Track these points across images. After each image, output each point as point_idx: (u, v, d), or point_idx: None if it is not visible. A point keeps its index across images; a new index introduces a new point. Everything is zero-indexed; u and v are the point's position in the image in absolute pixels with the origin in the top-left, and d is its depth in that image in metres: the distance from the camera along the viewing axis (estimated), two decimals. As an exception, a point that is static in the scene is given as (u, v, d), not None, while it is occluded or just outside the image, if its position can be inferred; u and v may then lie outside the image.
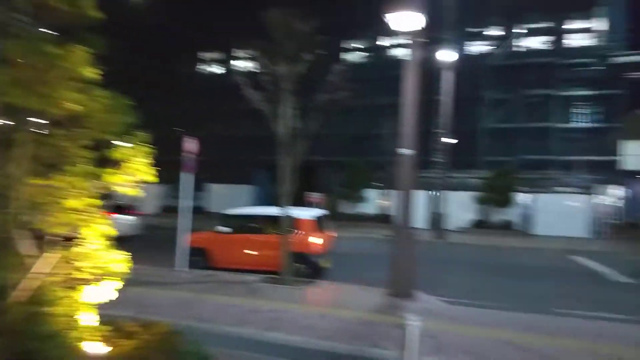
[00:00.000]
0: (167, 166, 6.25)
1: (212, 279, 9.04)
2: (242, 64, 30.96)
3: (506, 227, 21.36)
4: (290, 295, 7.83)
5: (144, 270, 8.86)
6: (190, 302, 7.07)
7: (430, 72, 23.06)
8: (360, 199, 24.54)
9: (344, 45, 31.22)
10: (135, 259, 4.15)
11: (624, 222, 23.43)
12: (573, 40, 25.28)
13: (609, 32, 24.36)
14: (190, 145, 9.57)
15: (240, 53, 31.69)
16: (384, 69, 25.58)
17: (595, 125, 24.20)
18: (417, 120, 7.71)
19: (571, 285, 10.65)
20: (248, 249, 9.99)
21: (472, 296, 8.97)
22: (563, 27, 25.41)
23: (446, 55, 18.31)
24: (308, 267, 9.48)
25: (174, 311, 6.50)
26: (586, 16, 24.83)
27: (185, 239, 9.76)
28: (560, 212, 20.83)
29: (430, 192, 23.97)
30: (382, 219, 22.31)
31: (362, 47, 30.93)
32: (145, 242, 13.83)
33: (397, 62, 11.75)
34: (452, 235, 19.61)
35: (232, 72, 28.04)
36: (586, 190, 21.69)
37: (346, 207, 24.99)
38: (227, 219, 10.54)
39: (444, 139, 19.61)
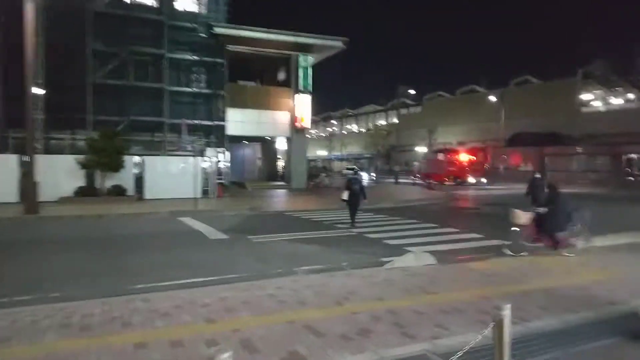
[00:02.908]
0: None
1: None
2: None
3: (118, 193, 19.60)
4: None
5: None
6: None
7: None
8: None
9: None
10: None
11: (228, 182, 26.17)
12: (181, 3, 25.41)
13: (213, 1, 25.83)
14: None
15: None
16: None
17: (204, 90, 25.57)
18: None
19: (174, 250, 10.04)
20: None
21: (39, 288, 6.77)
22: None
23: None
24: None
25: None
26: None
27: None
28: (172, 175, 20.87)
29: (22, 156, 19.19)
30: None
31: None
32: None
33: None
34: (49, 207, 16.19)
35: None
36: (196, 152, 22.68)
37: None
38: None
39: (37, 92, 15.56)
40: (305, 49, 27.94)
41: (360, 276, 7.12)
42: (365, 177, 44.16)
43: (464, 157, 36.82)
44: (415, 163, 60.38)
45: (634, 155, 38.39)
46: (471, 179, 34.71)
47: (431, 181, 33.69)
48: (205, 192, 22.17)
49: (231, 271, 7.93)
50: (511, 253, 9.03)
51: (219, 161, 24.66)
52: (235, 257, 9.30)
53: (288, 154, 30.21)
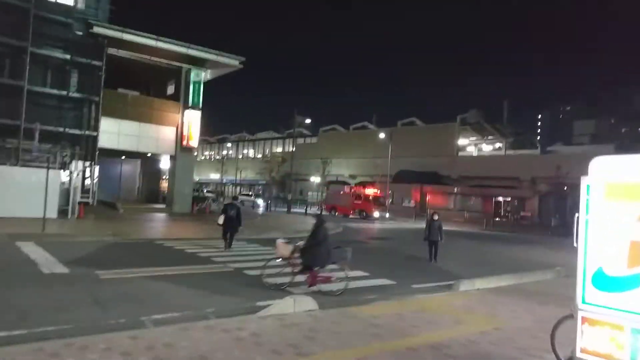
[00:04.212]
0: None
1: None
2: None
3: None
4: None
5: None
6: None
7: None
8: None
9: None
10: None
11: (96, 200, 22.87)
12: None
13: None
14: None
15: None
16: None
17: (75, 95, 22.25)
18: None
19: None
20: None
21: None
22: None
23: None
24: None
25: None
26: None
27: None
28: (21, 189, 17.43)
29: None
30: None
31: None
32: None
33: None
34: None
35: None
36: (58, 164, 19.42)
37: None
38: None
39: None
40: (199, 62, 26.18)
41: (224, 329, 5.73)
42: (261, 204, 42.60)
43: (369, 191, 36.34)
44: (310, 193, 60.72)
45: (501, 198, 42.52)
46: (376, 213, 34.66)
47: (336, 213, 33.75)
48: (64, 212, 18.95)
49: (54, 321, 5.98)
50: (271, 285, 8.73)
51: (85, 177, 21.42)
52: (69, 300, 7.25)
53: (172, 173, 27.67)
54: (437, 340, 5.78)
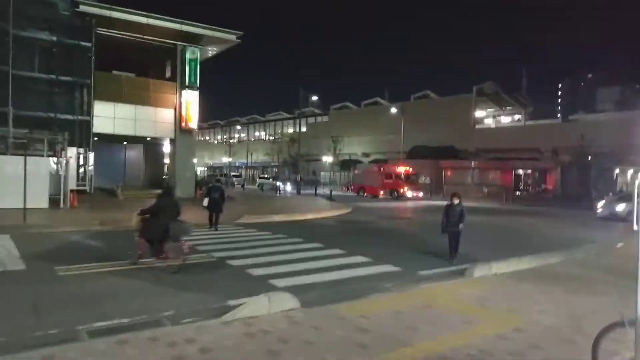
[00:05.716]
0: None
1: None
2: None
3: None
4: None
5: None
6: None
7: None
8: None
9: None
10: None
11: (94, 188, 22.03)
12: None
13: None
14: None
15: None
16: None
17: (64, 78, 21.17)
18: None
19: None
20: None
21: None
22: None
23: None
24: None
25: None
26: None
27: None
28: (12, 178, 16.50)
29: None
30: None
31: None
32: None
33: None
34: None
35: None
36: (50, 152, 18.51)
37: None
38: None
39: None
40: (194, 39, 24.76)
41: (170, 342, 4.55)
42: (281, 186, 41.16)
43: (400, 169, 33.93)
44: (322, 173, 59.39)
45: (521, 171, 40.53)
46: (409, 192, 32.98)
47: (365, 194, 33.00)
48: (56, 202, 18.07)
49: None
50: (133, 262, 8.50)
51: (80, 164, 20.51)
52: (4, 304, 6.17)
53: (172, 157, 26.63)
54: (437, 351, 4.50)
